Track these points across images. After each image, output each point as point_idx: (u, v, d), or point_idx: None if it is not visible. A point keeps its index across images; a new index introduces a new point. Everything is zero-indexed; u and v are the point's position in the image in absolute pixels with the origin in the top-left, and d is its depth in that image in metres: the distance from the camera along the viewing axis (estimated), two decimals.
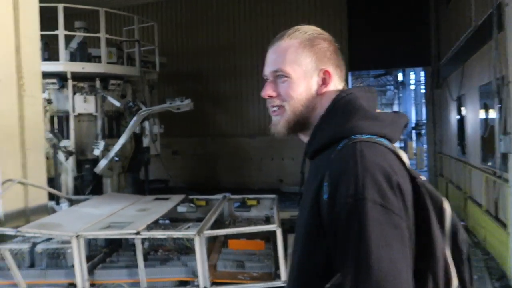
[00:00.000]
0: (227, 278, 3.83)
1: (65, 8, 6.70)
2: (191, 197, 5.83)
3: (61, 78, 6.75)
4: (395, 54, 10.00)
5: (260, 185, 9.25)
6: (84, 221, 4.26)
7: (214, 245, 4.54)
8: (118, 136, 7.16)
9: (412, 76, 18.16)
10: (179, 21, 10.44)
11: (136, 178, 7.80)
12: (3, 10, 4.94)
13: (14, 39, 5.03)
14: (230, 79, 10.41)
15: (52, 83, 6.59)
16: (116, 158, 6.88)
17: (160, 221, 5.08)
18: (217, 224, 4.71)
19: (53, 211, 5.85)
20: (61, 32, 6.59)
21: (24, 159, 5.17)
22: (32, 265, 4.09)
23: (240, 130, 10.09)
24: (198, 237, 3.72)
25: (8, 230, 3.99)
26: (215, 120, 10.27)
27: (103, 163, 6.85)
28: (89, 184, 7.11)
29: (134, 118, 6.70)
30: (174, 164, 9.32)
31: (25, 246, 4.10)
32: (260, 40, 10.00)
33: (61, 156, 6.63)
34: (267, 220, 5.34)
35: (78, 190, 7.01)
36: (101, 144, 6.69)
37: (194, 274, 3.83)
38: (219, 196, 5.81)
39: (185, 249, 4.42)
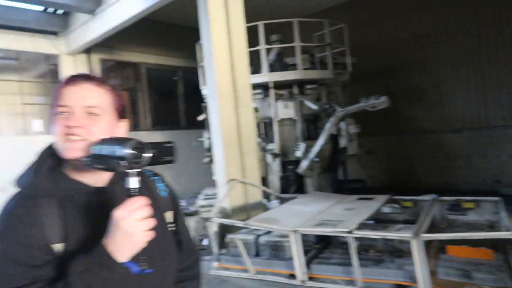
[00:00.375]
0: (451, 286, 3.49)
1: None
2: (395, 197, 5.59)
3: (264, 88, 7.48)
4: None
5: (469, 186, 8.17)
6: (298, 218, 4.58)
7: (429, 250, 4.21)
8: (316, 138, 7.46)
9: None
10: (365, 18, 10.22)
11: (335, 178, 7.97)
12: (221, 33, 5.79)
13: (230, 57, 5.84)
14: (425, 71, 9.56)
15: (258, 93, 7.35)
16: (316, 159, 7.18)
17: (365, 222, 5.02)
18: (430, 228, 4.36)
19: (265, 207, 6.52)
20: (262, 47, 7.32)
21: (243, 162, 5.93)
22: (257, 254, 4.64)
23: (441, 124, 9.14)
24: (415, 240, 3.51)
25: (238, 223, 4.61)
26: (411, 116, 9.60)
27: (304, 164, 7.24)
28: (292, 184, 7.63)
29: (331, 120, 6.86)
30: (369, 164, 9.14)
31: (251, 237, 4.67)
32: (455, 26, 8.90)
33: (268, 158, 7.33)
34: (491, 226, 4.66)
35: (283, 189, 7.61)
36: (302, 146, 7.09)
37: (412, 279, 3.63)
38: (427, 197, 5.39)
39: (397, 251, 4.25)
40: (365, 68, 9.45)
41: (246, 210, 5.85)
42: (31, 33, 9.66)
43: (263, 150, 7.20)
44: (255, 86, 7.13)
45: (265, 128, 7.63)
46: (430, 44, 9.36)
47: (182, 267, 1.26)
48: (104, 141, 0.97)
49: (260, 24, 7.51)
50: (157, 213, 1.07)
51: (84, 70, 10.56)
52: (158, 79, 12.46)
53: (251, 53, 6.35)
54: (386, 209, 5.64)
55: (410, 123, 9.57)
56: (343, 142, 7.36)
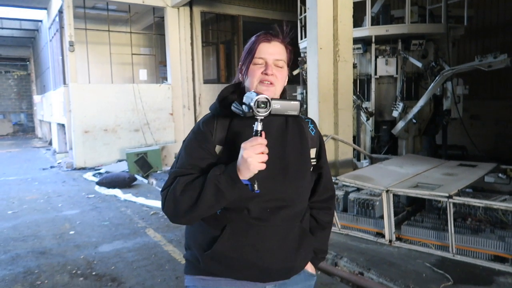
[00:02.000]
0: None
1: None
2: (504, 166, 5.14)
3: (365, 42, 7.14)
4: None
5: None
6: (391, 178, 4.49)
7: None
8: (417, 98, 7.03)
9: None
10: None
11: (432, 142, 7.52)
12: None
13: (333, 9, 5.65)
14: None
15: (357, 48, 7.06)
16: (414, 120, 6.81)
17: (466, 190, 4.73)
18: None
19: (355, 165, 6.46)
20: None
21: (336, 118, 5.87)
22: (344, 210, 4.69)
23: None
24: None
25: None
26: None
27: (400, 124, 6.93)
28: (385, 145, 7.39)
29: (437, 79, 6.37)
30: (472, 130, 8.37)
31: (341, 193, 4.72)
32: None
33: (362, 116, 7.14)
34: None
35: (374, 150, 7.42)
36: (400, 106, 6.76)
37: None
38: None
39: (499, 223, 3.98)
40: (484, 23, 8.44)
41: (336, 167, 5.86)
42: None
43: (358, 108, 7.01)
44: (356, 41, 6.83)
45: (360, 86, 7.37)
46: None
47: (319, 199, 1.55)
48: (246, 94, 1.28)
49: None
50: (302, 147, 1.43)
51: (187, 22, 11.07)
52: (255, 32, 12.51)
53: (354, 4, 6.04)
54: (490, 179, 5.24)
55: None
56: (447, 104, 6.83)
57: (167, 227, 5.11)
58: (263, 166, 1.21)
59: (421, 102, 6.60)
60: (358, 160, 7.02)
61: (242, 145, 1.21)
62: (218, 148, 1.36)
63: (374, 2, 7.49)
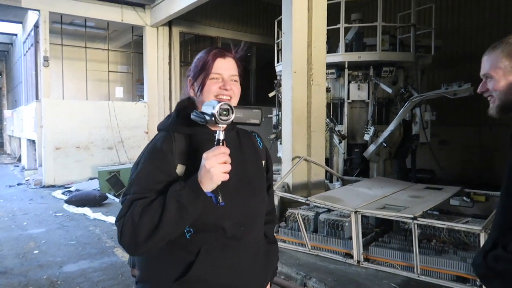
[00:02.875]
0: None
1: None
2: (467, 190, 5.33)
3: (339, 68, 7.38)
4: None
5: None
6: (361, 199, 4.58)
7: None
8: (387, 123, 7.26)
9: None
10: None
11: (402, 165, 7.74)
12: (301, 11, 5.79)
13: (308, 35, 5.84)
14: None
15: (331, 73, 7.28)
16: (385, 144, 7.01)
17: (430, 212, 4.86)
18: None
19: (327, 187, 6.56)
20: (342, 25, 7.20)
21: (309, 140, 5.98)
22: (315, 230, 4.74)
23: None
24: (484, 233, 3.38)
25: (300, 198, 4.73)
26: None
27: (372, 148, 7.12)
28: (357, 167, 7.55)
29: (406, 104, 6.62)
30: (441, 155, 8.67)
31: (311, 214, 4.78)
32: None
33: (335, 139, 7.30)
34: None
35: (347, 172, 7.56)
36: (372, 129, 6.96)
37: None
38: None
39: (462, 244, 4.11)
40: (451, 53, 8.88)
41: (308, 188, 5.93)
42: (122, 4, 10.34)
43: (331, 130, 7.17)
44: (329, 66, 7.06)
45: (333, 109, 7.56)
46: None
47: (266, 211, 1.52)
48: (206, 103, 1.24)
49: (342, 1, 7.36)
50: (257, 159, 1.46)
51: (165, 41, 11.15)
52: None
53: (327, 32, 6.26)
54: (455, 202, 5.41)
55: None
56: (415, 129, 7.08)
57: None
58: (227, 177, 1.17)
59: (391, 127, 6.82)
60: (331, 181, 7.13)
61: (204, 155, 1.16)
62: (180, 168, 1.29)
63: (348, 29, 7.78)
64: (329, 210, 4.86)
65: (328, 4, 6.13)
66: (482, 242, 3.39)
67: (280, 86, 8.29)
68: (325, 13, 6.00)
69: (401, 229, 4.62)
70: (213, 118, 1.16)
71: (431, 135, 7.55)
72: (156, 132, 1.42)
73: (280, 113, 8.40)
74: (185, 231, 1.27)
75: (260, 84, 12.70)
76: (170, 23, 11.12)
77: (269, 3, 13.04)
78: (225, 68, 1.35)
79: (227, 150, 1.17)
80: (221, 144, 1.18)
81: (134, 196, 1.22)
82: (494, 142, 8.83)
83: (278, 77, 8.60)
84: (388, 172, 7.57)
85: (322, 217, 4.67)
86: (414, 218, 3.80)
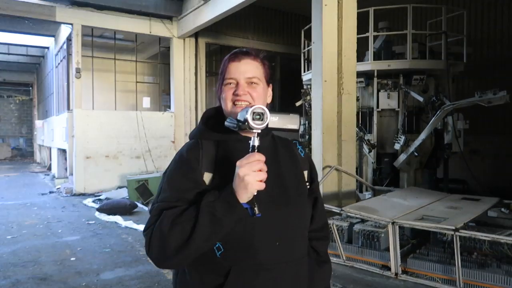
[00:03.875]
0: None
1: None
2: (507, 201, 5.17)
3: (368, 76, 7.32)
4: None
5: None
6: (396, 210, 4.50)
7: None
8: (418, 132, 7.14)
9: None
10: (488, 4, 9.32)
11: (433, 175, 7.57)
12: (331, 19, 5.79)
13: (338, 43, 5.83)
14: None
15: (360, 82, 7.23)
16: (416, 154, 6.89)
17: (469, 224, 4.73)
18: None
19: (358, 197, 6.47)
20: (371, 33, 7.16)
21: (340, 149, 5.93)
22: (349, 241, 4.67)
23: None
24: None
25: (334, 208, 4.68)
26: None
27: (402, 157, 7.00)
28: (387, 177, 7.43)
29: (437, 113, 6.50)
30: (472, 164, 8.46)
31: (345, 224, 4.72)
32: None
33: (365, 148, 7.22)
34: None
35: (376, 181, 7.45)
36: (402, 138, 6.86)
37: None
38: None
39: (505, 257, 3.97)
40: (481, 60, 8.71)
41: (338, 198, 5.87)
42: (149, 17, 10.60)
43: (360, 140, 7.10)
44: (358, 74, 7.01)
45: (363, 118, 7.49)
46: None
47: (316, 227, 1.40)
48: (241, 112, 1.15)
49: (371, 10, 7.34)
50: (295, 168, 1.33)
51: (192, 52, 11.33)
52: None
53: (357, 39, 6.23)
54: (493, 213, 5.26)
55: None
56: (448, 138, 6.93)
57: None
58: (262, 186, 1.07)
59: (422, 136, 6.70)
60: (361, 191, 7.04)
61: (238, 163, 1.07)
62: (207, 176, 1.21)
63: (376, 38, 7.73)
64: (362, 221, 4.79)
65: (358, 13, 6.11)
66: None
67: (307, 95, 8.31)
68: (355, 22, 5.99)
69: (439, 241, 4.51)
70: (246, 123, 1.08)
71: (464, 144, 7.37)
72: (186, 141, 1.35)
73: (307, 122, 8.40)
74: (215, 248, 1.18)
75: (284, 94, 12.72)
76: (196, 34, 11.30)
77: (293, 13, 13.12)
78: (240, 72, 1.25)
79: (262, 157, 1.07)
80: (256, 150, 1.08)
81: (163, 205, 1.16)
82: None
83: (305, 86, 8.61)
84: (418, 182, 7.42)
85: (356, 227, 4.61)
86: (456, 230, 3.70)
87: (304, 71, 8.69)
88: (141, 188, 8.95)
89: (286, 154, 1.32)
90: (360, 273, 4.22)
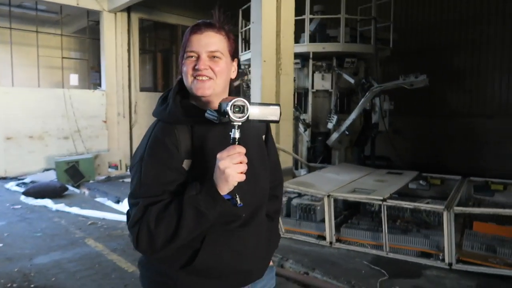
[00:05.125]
0: (476, 258, 3.70)
1: None
2: (425, 174, 5.74)
3: (303, 58, 7.56)
4: None
5: (499, 171, 8.14)
6: (331, 184, 4.81)
7: (455, 225, 4.40)
8: (349, 112, 7.57)
9: None
10: None
11: (361, 152, 8.12)
12: (270, 1, 5.87)
13: (276, 24, 5.94)
14: (465, 53, 9.44)
15: (296, 63, 7.43)
16: (347, 132, 7.32)
17: (393, 195, 5.18)
18: (461, 206, 4.51)
19: (293, 174, 6.76)
20: (307, 16, 7.38)
21: (278, 128, 6.12)
22: (287, 215, 4.91)
23: (474, 109, 9.11)
24: (447, 211, 3.71)
25: None
26: (445, 98, 9.57)
27: (334, 136, 7.41)
28: (320, 155, 7.82)
29: (367, 94, 6.95)
30: (396, 143, 9.19)
31: (284, 199, 4.94)
32: (502, 11, 8.70)
33: (300, 127, 7.51)
34: None
35: (310, 159, 7.82)
36: (335, 118, 7.24)
37: (438, 248, 3.86)
38: (455, 177, 5.54)
39: (424, 223, 4.46)
40: (406, 46, 9.39)
41: None
42: None
43: (296, 119, 7.37)
44: (294, 56, 7.18)
45: (298, 98, 7.76)
46: (473, 26, 9.19)
47: (272, 185, 1.47)
48: (222, 100, 1.17)
49: None
50: (260, 143, 1.39)
51: (124, 28, 10.79)
52: None
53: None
54: (413, 186, 5.81)
55: (443, 105, 9.55)
56: (375, 118, 7.46)
57: (109, 237, 4.93)
58: (243, 177, 1.11)
59: (353, 115, 7.14)
60: (296, 169, 7.35)
61: (218, 155, 1.10)
62: (186, 163, 1.22)
63: (312, 20, 7.97)
64: (300, 195, 5.05)
65: None
66: (445, 222, 3.70)
67: (245, 75, 8.38)
68: (293, 3, 6.13)
69: (367, 211, 4.92)
70: (226, 116, 1.09)
71: (389, 124, 7.98)
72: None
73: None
74: None
75: None
76: (129, 9, 10.75)
77: None
78: (201, 45, 1.23)
79: (243, 150, 1.10)
80: (236, 143, 1.10)
81: (147, 201, 1.17)
82: (446, 131, 9.48)
83: (243, 67, 8.66)
84: (349, 159, 7.92)
85: (294, 201, 4.85)
86: (384, 200, 4.07)
87: (242, 51, 8.73)
88: (71, 170, 8.51)
89: (250, 128, 1.27)
90: (298, 243, 4.48)
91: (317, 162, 7.54)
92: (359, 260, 3.97)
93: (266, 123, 1.42)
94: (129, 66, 11.01)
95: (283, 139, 6.18)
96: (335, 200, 4.89)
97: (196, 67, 1.22)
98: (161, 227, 1.14)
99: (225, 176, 1.09)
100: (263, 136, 1.44)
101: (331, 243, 4.38)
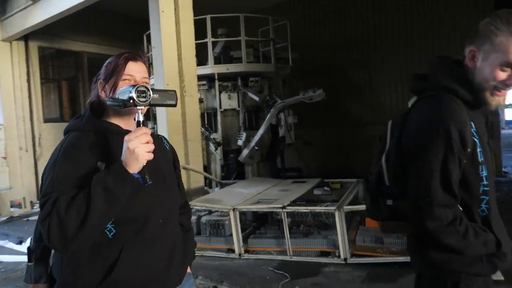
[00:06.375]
0: (366, 251, 4.08)
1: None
2: (326, 180, 6.19)
3: (209, 79, 7.80)
4: None
5: None
6: (238, 198, 4.99)
7: (351, 224, 4.81)
8: (257, 128, 7.92)
9: None
10: (309, 17, 10.89)
11: (273, 166, 8.49)
12: (169, 25, 6.02)
13: (177, 48, 6.10)
14: (360, 69, 10.45)
15: (203, 85, 7.66)
16: (256, 148, 7.64)
17: (298, 202, 5.52)
18: (354, 204, 4.95)
19: (207, 192, 6.85)
20: (209, 39, 7.65)
21: (187, 149, 6.21)
22: (198, 233, 4.97)
23: (373, 118, 10.04)
24: (338, 212, 4.06)
25: None
26: (347, 109, 10.45)
27: (245, 152, 7.67)
28: (233, 171, 8.03)
29: (271, 110, 7.35)
30: (306, 154, 9.74)
31: (193, 218, 5.00)
32: (394, 31, 9.85)
33: (211, 146, 7.67)
34: None
35: (225, 177, 7.99)
36: (244, 135, 7.52)
37: (335, 246, 4.19)
38: (352, 180, 6.05)
39: (324, 225, 4.81)
40: (307, 65, 10.10)
41: (189, 195, 6.11)
42: None
43: (207, 139, 7.52)
44: (201, 78, 7.41)
45: (208, 118, 7.95)
46: (366, 44, 10.22)
47: (180, 204, 1.64)
48: (120, 90, 1.30)
49: (208, 17, 7.81)
50: (164, 156, 1.56)
51: (21, 57, 10.20)
52: (100, 68, 12.22)
53: (197, 45, 6.61)
54: (318, 192, 6.22)
55: (346, 116, 10.39)
56: (282, 131, 7.89)
57: (5, 280, 4.56)
58: (151, 156, 1.22)
59: (261, 131, 7.48)
60: (211, 187, 7.45)
61: (126, 137, 1.21)
62: (100, 165, 1.30)
63: (216, 43, 8.27)
64: (210, 212, 5.15)
65: (195, 20, 6.48)
66: (337, 221, 4.05)
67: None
68: (192, 28, 6.33)
69: (275, 220, 5.17)
70: (131, 101, 1.21)
71: (296, 137, 8.47)
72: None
73: (156, 125, 8.46)
74: (106, 230, 1.28)
75: None
76: (26, 37, 10.20)
77: (136, 18, 12.92)
78: (137, 71, 1.42)
79: (149, 131, 1.23)
80: (141, 125, 1.23)
81: (58, 193, 1.21)
82: (350, 140, 10.27)
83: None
84: (261, 173, 8.23)
85: (203, 219, 4.94)
86: (283, 207, 4.33)
87: (150, 76, 8.74)
88: None
89: (158, 146, 1.42)
90: (208, 260, 4.55)
91: (231, 179, 7.72)
92: (265, 267, 4.15)
93: (172, 150, 1.71)
94: (29, 97, 10.36)
95: (193, 159, 6.27)
96: (243, 213, 5.08)
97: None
98: (71, 212, 1.16)
99: (135, 156, 1.19)
100: (171, 161, 1.66)
101: (240, 254, 4.52)
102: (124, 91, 1.26)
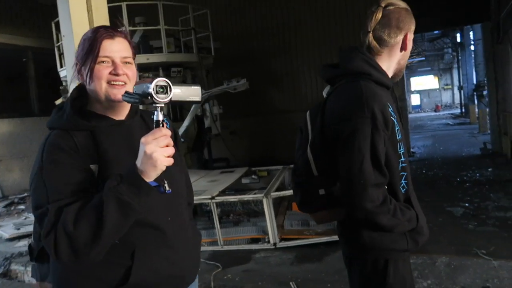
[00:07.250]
0: (294, 234, 4.25)
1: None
2: (253, 169, 6.30)
3: None
4: (452, 11, 9.84)
5: None
6: None
7: (279, 209, 4.98)
8: (182, 120, 7.78)
9: (471, 35, 17.34)
10: (229, 5, 10.86)
11: (201, 157, 8.42)
12: (80, 13, 5.58)
13: None
14: (282, 58, 10.71)
15: None
16: (182, 140, 7.49)
17: (227, 192, 5.55)
18: (280, 190, 5.11)
19: None
20: (126, 28, 7.25)
21: None
22: None
23: (293, 105, 10.39)
24: (265, 198, 4.17)
25: None
26: (270, 98, 10.67)
27: None
28: None
29: None
30: (233, 143, 9.81)
31: None
32: (311, 19, 10.19)
33: None
34: None
35: None
36: None
37: (264, 232, 4.31)
38: (278, 167, 6.24)
39: (253, 213, 4.91)
40: (229, 53, 10.09)
41: None
42: None
43: None
44: None
45: None
46: (285, 34, 10.48)
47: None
48: (138, 82, 1.13)
49: (124, 4, 7.41)
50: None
51: None
52: (3, 61, 11.07)
53: None
54: (246, 180, 6.31)
55: (268, 104, 10.62)
56: (207, 122, 7.83)
57: None
58: (171, 161, 1.05)
59: (186, 123, 7.35)
60: None
61: (142, 139, 1.04)
62: (93, 168, 1.17)
63: (134, 33, 7.89)
64: None
65: (109, 7, 6.10)
66: (265, 207, 4.15)
67: (67, 92, 7.79)
68: (107, 15, 5.92)
69: (204, 211, 5.15)
70: (149, 97, 1.04)
71: (223, 127, 8.47)
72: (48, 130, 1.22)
73: None
74: None
75: (42, 93, 11.44)
76: None
77: (43, 4, 11.84)
78: (115, 50, 1.22)
79: (168, 132, 1.06)
80: (160, 125, 1.06)
81: (58, 204, 1.07)
82: (273, 127, 10.53)
83: (64, 83, 8.04)
84: (189, 165, 8.10)
85: None
86: (212, 198, 4.33)
87: (61, 67, 8.10)
88: None
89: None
90: None
91: None
92: None
93: (174, 130, 1.41)
94: None
95: None
96: None
97: (115, 72, 1.21)
98: (81, 227, 1.04)
99: (152, 161, 1.02)
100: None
101: None
102: (140, 85, 1.08)
